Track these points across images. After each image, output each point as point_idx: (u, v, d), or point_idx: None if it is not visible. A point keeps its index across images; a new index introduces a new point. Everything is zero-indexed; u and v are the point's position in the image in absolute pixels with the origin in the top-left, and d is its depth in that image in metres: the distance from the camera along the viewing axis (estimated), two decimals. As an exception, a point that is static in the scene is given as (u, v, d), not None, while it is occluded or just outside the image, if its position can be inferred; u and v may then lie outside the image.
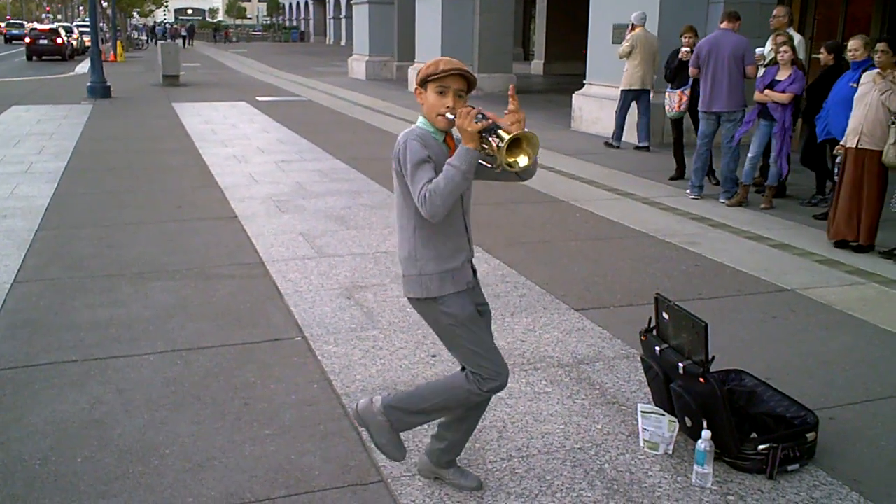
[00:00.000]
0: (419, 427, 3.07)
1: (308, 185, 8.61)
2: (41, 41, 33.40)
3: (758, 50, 8.13)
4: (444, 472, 3.00)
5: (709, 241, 6.58)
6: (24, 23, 58.78)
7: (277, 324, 4.65)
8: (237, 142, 11.62)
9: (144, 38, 57.50)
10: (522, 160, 2.45)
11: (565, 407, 3.67)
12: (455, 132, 2.60)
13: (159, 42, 30.96)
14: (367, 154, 10.54)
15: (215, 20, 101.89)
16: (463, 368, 2.80)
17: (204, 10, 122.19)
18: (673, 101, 9.02)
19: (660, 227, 6.96)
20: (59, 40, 33.52)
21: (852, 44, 6.96)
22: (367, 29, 24.77)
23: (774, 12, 8.38)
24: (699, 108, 8.08)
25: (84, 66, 26.24)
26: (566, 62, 26.52)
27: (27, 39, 34.29)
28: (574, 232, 6.84)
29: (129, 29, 55.09)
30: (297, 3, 77.16)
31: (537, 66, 28.60)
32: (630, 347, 4.32)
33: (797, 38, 8.25)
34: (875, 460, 3.31)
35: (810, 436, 3.20)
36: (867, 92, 6.23)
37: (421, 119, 2.66)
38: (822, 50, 7.96)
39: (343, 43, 48.96)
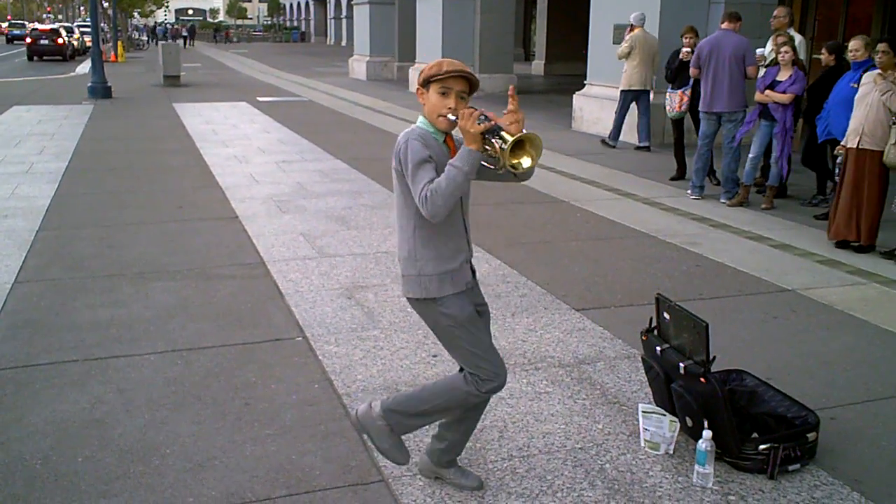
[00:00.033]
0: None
1: (309, 185, 8.61)
2: (42, 41, 33.41)
3: (758, 50, 8.13)
4: (445, 471, 3.01)
5: (710, 241, 6.58)
6: (26, 23, 58.76)
7: (278, 324, 4.65)
8: (238, 142, 11.62)
9: (145, 38, 57.54)
10: (526, 162, 2.45)
11: (566, 407, 3.67)
12: (456, 133, 2.60)
13: (160, 42, 30.95)
14: (368, 154, 10.54)
15: (216, 20, 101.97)
16: (462, 369, 2.81)
17: (205, 11, 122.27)
18: (674, 101, 9.02)
19: (661, 228, 6.96)
20: (59, 40, 33.53)
21: (853, 44, 6.96)
22: (367, 29, 24.76)
23: (775, 13, 8.38)
24: (700, 108, 8.08)
25: (85, 67, 26.26)
26: (567, 62, 26.50)
27: (28, 39, 34.26)
28: (575, 232, 6.84)
29: (129, 29, 55.06)
30: (298, 4, 77.20)
31: (538, 66, 28.58)
32: (631, 347, 4.32)
33: (798, 38, 8.26)
34: (876, 460, 3.31)
35: (811, 436, 3.20)
36: (868, 92, 6.23)
37: (421, 119, 2.66)
38: (823, 50, 7.96)
39: (344, 43, 48.93)
